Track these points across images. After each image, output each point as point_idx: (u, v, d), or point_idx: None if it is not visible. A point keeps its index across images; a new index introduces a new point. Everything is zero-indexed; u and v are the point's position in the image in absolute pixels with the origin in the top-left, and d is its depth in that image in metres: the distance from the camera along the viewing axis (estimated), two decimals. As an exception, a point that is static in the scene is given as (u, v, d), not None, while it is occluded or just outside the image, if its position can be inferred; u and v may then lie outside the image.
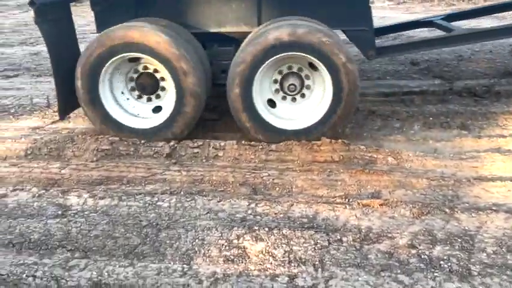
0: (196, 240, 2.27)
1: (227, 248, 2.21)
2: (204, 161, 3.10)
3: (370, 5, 3.56)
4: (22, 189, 2.82)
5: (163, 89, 3.36)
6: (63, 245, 2.27)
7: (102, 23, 3.48)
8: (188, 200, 2.64)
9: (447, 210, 2.44)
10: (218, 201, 2.61)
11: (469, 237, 2.21)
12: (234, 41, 3.46)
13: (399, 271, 2.01)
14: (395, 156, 3.01)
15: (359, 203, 2.53)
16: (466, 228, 2.29)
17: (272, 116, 3.29)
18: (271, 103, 3.34)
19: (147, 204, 2.61)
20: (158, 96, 3.40)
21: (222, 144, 3.20)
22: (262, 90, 3.27)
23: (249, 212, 2.51)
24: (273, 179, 2.83)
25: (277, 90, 3.32)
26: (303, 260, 2.10)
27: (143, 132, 3.31)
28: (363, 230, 2.31)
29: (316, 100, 3.29)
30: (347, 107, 3.18)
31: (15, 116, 4.04)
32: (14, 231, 2.40)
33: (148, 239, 2.29)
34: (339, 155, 3.03)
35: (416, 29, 5.21)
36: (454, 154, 3.05)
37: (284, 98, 3.33)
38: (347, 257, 2.11)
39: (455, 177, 2.76)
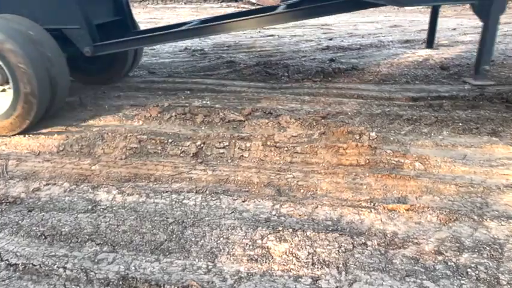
0: (221, 239, 2.30)
1: (251, 247, 2.23)
2: (229, 161, 3.14)
3: (83, 6, 3.98)
4: (54, 183, 2.93)
5: None
6: (92, 239, 2.34)
7: None
8: (213, 199, 2.68)
9: (475, 217, 2.39)
10: (243, 201, 2.64)
11: (498, 246, 2.16)
12: None
13: (424, 277, 1.98)
14: (423, 161, 2.97)
15: (384, 208, 2.51)
16: (495, 236, 2.24)
17: None
18: None
19: (173, 202, 2.66)
20: None
21: (248, 145, 3.23)
22: None
23: (273, 212, 2.52)
24: (298, 181, 2.84)
25: None
26: (327, 263, 2.10)
27: None
28: (388, 235, 2.29)
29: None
30: (23, 104, 3.51)
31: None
32: (46, 223, 2.49)
33: (174, 236, 2.34)
34: (365, 158, 3.02)
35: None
36: (484, 161, 2.99)
37: None
38: (372, 261, 2.10)
39: (485, 185, 2.70)
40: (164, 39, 4.41)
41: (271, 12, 4.01)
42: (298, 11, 3.85)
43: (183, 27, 4.31)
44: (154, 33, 4.34)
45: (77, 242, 2.32)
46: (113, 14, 4.65)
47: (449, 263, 2.06)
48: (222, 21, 4.09)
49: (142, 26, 5.65)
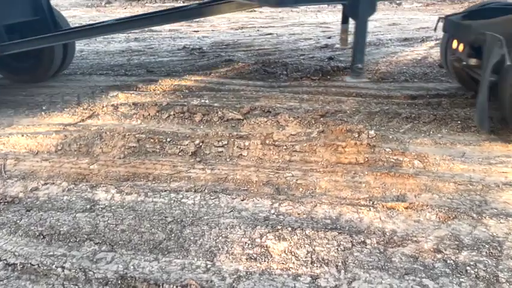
0: (220, 238, 2.30)
1: (250, 246, 2.23)
2: (228, 160, 3.13)
3: None
4: (53, 183, 2.92)
5: None
6: (91, 238, 2.33)
7: None
8: (212, 198, 2.68)
9: (474, 215, 2.39)
10: (241, 200, 2.64)
11: (497, 244, 2.16)
12: None
13: (424, 275, 1.98)
14: (422, 159, 2.97)
15: (383, 206, 2.51)
16: (494, 234, 2.24)
17: None
18: None
19: (172, 201, 2.65)
20: None
21: (246, 143, 3.23)
22: None
23: (272, 211, 2.52)
24: (297, 180, 2.83)
25: None
26: (326, 261, 2.10)
27: None
28: (387, 233, 2.28)
29: None
30: None
31: (47, 113, 4.16)
32: (45, 223, 2.48)
33: (172, 235, 2.33)
34: (364, 157, 3.01)
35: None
36: (483, 159, 2.99)
37: None
38: (371, 259, 2.10)
39: (484, 182, 2.70)
40: (68, 37, 4.54)
41: (165, 12, 4.19)
42: (188, 10, 3.99)
43: (88, 27, 4.43)
44: (59, 32, 4.50)
45: (76, 241, 2.32)
46: (31, 14, 4.68)
47: (448, 261, 2.06)
48: (125, 20, 4.23)
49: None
